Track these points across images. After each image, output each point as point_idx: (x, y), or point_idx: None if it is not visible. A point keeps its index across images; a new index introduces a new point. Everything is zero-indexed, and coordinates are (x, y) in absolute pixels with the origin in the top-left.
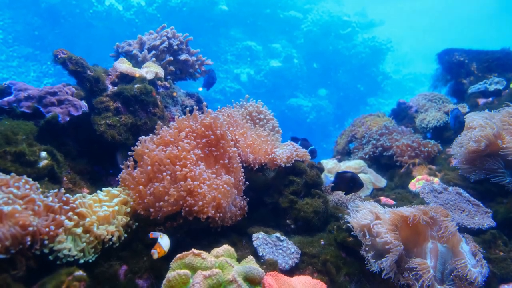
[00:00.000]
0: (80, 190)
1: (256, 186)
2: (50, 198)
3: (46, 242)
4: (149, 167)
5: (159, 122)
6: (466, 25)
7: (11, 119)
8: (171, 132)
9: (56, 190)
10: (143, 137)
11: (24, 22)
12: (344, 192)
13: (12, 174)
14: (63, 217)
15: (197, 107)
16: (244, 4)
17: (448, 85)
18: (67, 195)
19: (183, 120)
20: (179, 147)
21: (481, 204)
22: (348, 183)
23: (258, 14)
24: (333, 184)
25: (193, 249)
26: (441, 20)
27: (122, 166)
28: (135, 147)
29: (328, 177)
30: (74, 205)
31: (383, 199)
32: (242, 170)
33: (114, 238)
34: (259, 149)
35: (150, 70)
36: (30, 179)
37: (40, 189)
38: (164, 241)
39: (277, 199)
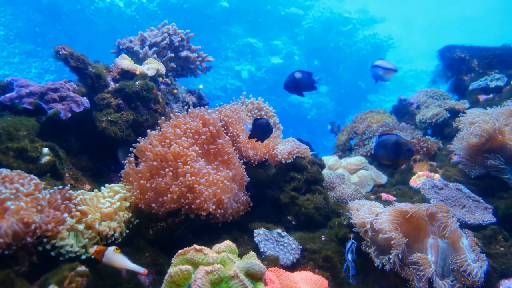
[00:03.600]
0: (82, 186)
1: (257, 182)
2: (54, 195)
3: (45, 240)
4: (153, 163)
5: (162, 117)
6: (467, 22)
7: (13, 115)
8: (169, 129)
9: (61, 187)
10: (149, 131)
11: (26, 18)
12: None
13: (19, 171)
14: (65, 215)
15: (198, 104)
16: (245, 0)
17: (449, 81)
18: (70, 191)
19: (179, 118)
20: (180, 146)
21: (481, 200)
22: (264, 128)
23: (259, 11)
24: (250, 132)
25: (194, 245)
26: (442, 16)
27: (124, 162)
28: (138, 143)
29: (247, 125)
30: (76, 202)
31: (384, 195)
32: (243, 166)
33: (116, 234)
34: (259, 144)
35: (151, 66)
36: (36, 177)
37: (43, 185)
38: (114, 255)
39: (278, 195)
